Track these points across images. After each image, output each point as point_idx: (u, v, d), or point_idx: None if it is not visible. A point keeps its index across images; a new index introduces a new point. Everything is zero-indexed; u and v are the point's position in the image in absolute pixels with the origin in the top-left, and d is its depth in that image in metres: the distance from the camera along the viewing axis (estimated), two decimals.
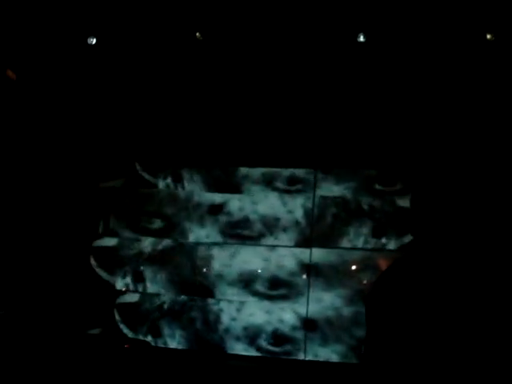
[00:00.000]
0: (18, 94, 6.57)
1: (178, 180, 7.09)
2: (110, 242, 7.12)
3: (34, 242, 6.65)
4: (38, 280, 6.56)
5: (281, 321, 6.52)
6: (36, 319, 6.28)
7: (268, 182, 6.88)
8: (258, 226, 6.78)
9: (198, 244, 6.88)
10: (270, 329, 6.52)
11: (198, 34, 5.92)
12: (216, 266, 6.80)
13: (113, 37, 6.20)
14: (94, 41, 5.84)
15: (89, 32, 6.07)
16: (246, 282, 6.68)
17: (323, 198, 6.70)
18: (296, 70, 6.39)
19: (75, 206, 6.95)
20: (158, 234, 7.02)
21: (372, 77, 6.30)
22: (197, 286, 6.78)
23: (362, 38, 5.90)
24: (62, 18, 5.92)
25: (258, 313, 6.60)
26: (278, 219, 6.74)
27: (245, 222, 6.82)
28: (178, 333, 6.71)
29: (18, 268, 6.48)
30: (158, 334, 6.71)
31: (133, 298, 6.93)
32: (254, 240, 6.77)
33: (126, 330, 6.79)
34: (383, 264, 6.31)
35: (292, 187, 6.83)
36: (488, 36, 5.54)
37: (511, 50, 5.70)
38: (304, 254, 6.58)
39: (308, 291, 6.49)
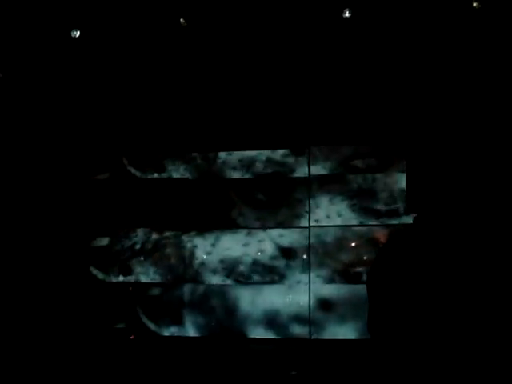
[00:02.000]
0: (3, 91, 6.51)
1: (163, 171, 7.07)
2: (103, 240, 7.11)
3: (25, 236, 6.63)
4: (32, 276, 6.56)
5: (284, 305, 6.55)
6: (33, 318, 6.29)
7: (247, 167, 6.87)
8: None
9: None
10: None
11: (182, 20, 5.86)
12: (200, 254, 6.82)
13: (97, 30, 6.13)
14: (78, 34, 5.77)
15: (72, 25, 5.99)
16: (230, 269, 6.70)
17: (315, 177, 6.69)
18: (275, 48, 6.31)
19: (64, 199, 6.94)
20: (148, 226, 7.00)
21: (354, 52, 6.24)
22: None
23: (347, 14, 5.84)
24: (44, 11, 5.84)
25: (251, 299, 6.63)
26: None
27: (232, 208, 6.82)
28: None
29: (11, 264, 6.47)
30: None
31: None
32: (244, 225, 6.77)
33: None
34: (378, 240, 6.34)
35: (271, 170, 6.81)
36: (474, 4, 5.50)
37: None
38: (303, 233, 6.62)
39: (309, 271, 6.52)
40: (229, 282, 6.71)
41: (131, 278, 6.91)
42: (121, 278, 6.95)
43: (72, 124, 6.97)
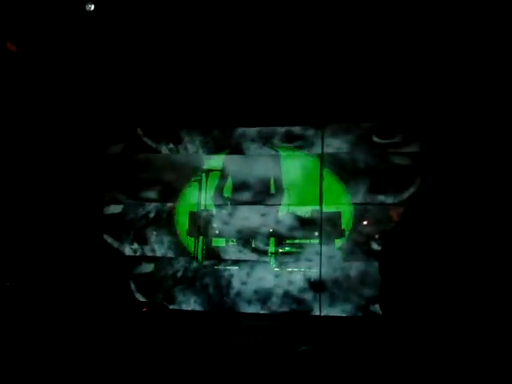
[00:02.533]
0: (19, 66, 6.53)
1: (179, 142, 7.10)
2: (116, 208, 7.20)
3: (41, 209, 6.72)
4: (47, 249, 6.67)
5: (290, 282, 6.61)
6: (48, 290, 6.40)
7: (265, 140, 6.88)
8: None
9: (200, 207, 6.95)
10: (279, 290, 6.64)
11: None
12: (218, 226, 6.89)
13: (113, 3, 6.10)
14: (93, 7, 5.75)
15: None
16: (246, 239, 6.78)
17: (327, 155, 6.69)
18: (290, 24, 6.25)
19: (79, 172, 7.03)
20: (161, 198, 7.09)
21: (368, 28, 6.16)
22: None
23: None
24: None
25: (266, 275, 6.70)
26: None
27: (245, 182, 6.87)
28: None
29: (26, 237, 6.56)
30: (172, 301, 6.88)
31: (147, 267, 7.04)
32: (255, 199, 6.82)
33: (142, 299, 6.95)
34: (389, 218, 6.34)
35: (290, 144, 6.82)
36: None
37: None
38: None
39: (320, 251, 6.55)
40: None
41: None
42: (135, 246, 7.06)
43: (87, 96, 7.01)
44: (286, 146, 6.85)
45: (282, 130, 6.86)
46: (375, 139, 6.56)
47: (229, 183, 6.96)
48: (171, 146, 7.13)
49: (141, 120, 7.17)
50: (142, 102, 7.05)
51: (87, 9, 5.65)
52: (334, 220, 6.58)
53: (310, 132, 6.77)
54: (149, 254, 7.04)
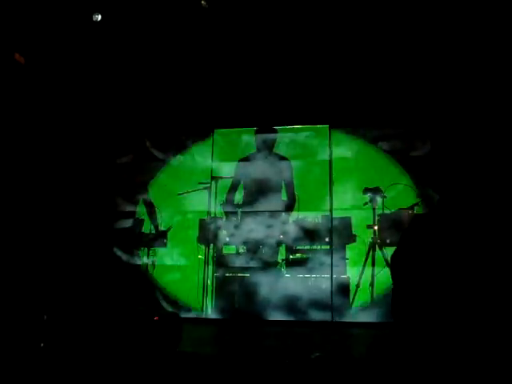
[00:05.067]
0: (27, 78, 6.58)
1: (185, 152, 7.12)
2: (127, 222, 7.21)
3: (52, 220, 6.75)
4: (60, 259, 6.70)
5: (302, 288, 6.58)
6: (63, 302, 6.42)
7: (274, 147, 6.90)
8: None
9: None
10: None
11: (203, 2, 5.82)
12: (228, 234, 6.88)
13: (118, 13, 6.14)
14: (100, 17, 5.78)
15: (94, 9, 6.01)
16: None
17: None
18: (302, 26, 6.26)
19: (90, 183, 7.07)
20: (172, 207, 7.09)
21: (380, 31, 6.15)
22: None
23: None
24: None
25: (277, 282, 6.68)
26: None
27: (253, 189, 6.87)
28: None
29: (37, 248, 6.58)
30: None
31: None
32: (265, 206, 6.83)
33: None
34: (400, 222, 6.30)
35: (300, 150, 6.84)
36: None
37: None
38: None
39: (331, 255, 6.51)
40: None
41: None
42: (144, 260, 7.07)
43: (96, 109, 7.05)
44: (295, 151, 6.85)
45: (290, 135, 6.85)
46: (384, 144, 6.54)
47: (238, 190, 6.96)
48: (178, 155, 7.14)
49: (148, 131, 7.19)
50: (150, 112, 7.08)
51: (94, 19, 5.68)
52: (344, 225, 6.54)
53: (319, 137, 6.75)
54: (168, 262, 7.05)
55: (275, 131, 6.95)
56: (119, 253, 7.12)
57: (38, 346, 5.08)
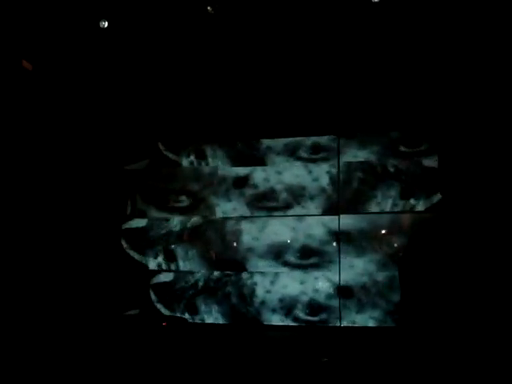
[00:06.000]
0: (36, 83, 6.61)
1: (202, 157, 7.14)
2: (140, 223, 7.24)
3: (63, 226, 6.78)
4: (70, 264, 6.72)
5: (315, 290, 6.58)
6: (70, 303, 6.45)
7: (291, 152, 6.89)
8: (284, 197, 6.83)
9: (226, 219, 6.96)
10: (305, 299, 6.60)
11: (209, 8, 5.84)
12: (246, 239, 6.88)
13: (127, 18, 6.16)
14: (106, 24, 5.81)
15: (101, 15, 6.04)
16: (277, 253, 6.74)
17: (348, 163, 6.66)
18: (313, 35, 6.27)
19: (102, 189, 7.09)
20: (186, 211, 7.11)
21: (391, 38, 6.16)
22: (228, 261, 6.88)
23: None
24: (72, 3, 5.90)
25: (291, 284, 6.67)
26: (303, 188, 6.78)
27: (271, 194, 6.87)
28: (215, 308, 6.85)
29: (47, 251, 6.62)
30: (194, 312, 6.87)
31: (167, 277, 7.06)
32: (281, 211, 6.80)
33: (163, 310, 6.97)
34: (413, 226, 6.25)
35: (316, 156, 6.82)
36: None
37: None
38: (333, 221, 6.60)
39: (339, 258, 6.50)
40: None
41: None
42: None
43: (108, 113, 7.12)
44: (308, 156, 6.86)
45: (304, 140, 6.86)
46: (401, 148, 6.54)
47: (255, 195, 6.97)
48: (193, 159, 7.17)
49: (162, 134, 7.23)
50: (163, 116, 7.11)
51: (101, 26, 5.72)
52: (355, 228, 6.55)
53: (331, 142, 6.77)
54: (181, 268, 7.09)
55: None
56: (133, 254, 7.18)
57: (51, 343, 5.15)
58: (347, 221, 6.56)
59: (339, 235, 6.55)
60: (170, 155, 7.23)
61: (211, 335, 6.42)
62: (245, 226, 6.90)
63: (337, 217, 6.58)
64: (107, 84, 6.95)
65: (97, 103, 7.04)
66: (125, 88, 7.00)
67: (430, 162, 6.33)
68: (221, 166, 7.08)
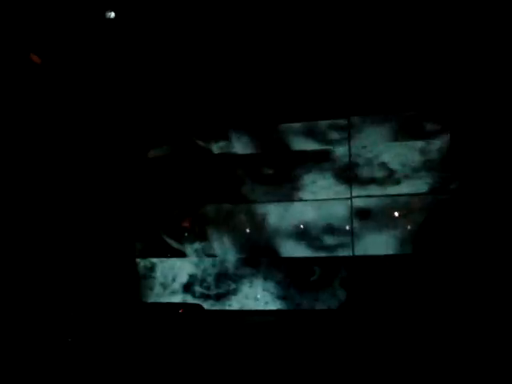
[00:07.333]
0: (51, 74, 6.62)
1: (230, 142, 7.23)
2: (173, 210, 7.35)
3: (84, 213, 6.88)
4: (89, 252, 6.82)
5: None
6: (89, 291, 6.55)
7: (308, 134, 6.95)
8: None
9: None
10: None
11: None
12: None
13: (140, 12, 6.18)
14: (113, 15, 5.80)
15: (111, 6, 6.03)
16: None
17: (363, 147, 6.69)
18: (323, 18, 6.25)
19: (127, 176, 7.24)
20: (220, 199, 7.22)
21: (403, 17, 6.10)
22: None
23: None
24: None
25: None
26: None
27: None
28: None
29: (72, 238, 6.73)
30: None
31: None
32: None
33: (169, 241, 7.22)
34: (427, 207, 6.21)
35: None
36: None
37: None
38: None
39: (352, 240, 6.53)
40: None
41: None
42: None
43: (140, 102, 7.20)
44: (330, 139, 6.89)
45: (325, 123, 6.89)
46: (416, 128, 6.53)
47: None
48: (221, 144, 7.23)
49: (190, 122, 7.27)
50: (192, 103, 7.15)
51: (107, 16, 5.70)
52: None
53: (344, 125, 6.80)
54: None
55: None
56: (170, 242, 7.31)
57: (65, 340, 5.21)
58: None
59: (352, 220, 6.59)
60: (200, 142, 7.32)
61: (227, 322, 6.46)
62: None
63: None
64: (129, 68, 6.98)
65: (120, 89, 7.11)
66: (147, 75, 7.05)
67: (445, 143, 6.32)
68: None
